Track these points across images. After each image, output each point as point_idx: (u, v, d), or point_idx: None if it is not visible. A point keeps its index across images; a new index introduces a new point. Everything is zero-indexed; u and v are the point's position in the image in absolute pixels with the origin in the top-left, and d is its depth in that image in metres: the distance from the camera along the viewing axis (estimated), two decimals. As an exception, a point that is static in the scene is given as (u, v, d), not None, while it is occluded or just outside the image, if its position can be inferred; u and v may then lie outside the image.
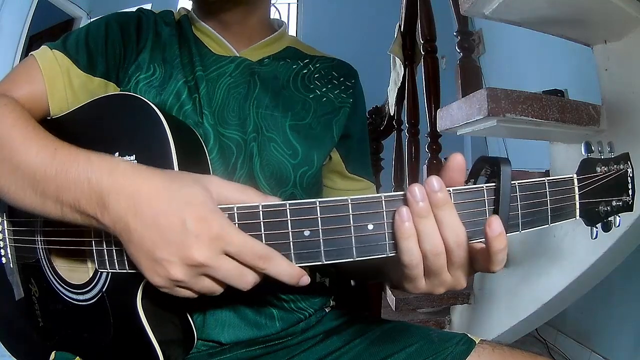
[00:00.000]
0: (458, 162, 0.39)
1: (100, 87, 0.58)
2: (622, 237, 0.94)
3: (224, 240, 0.38)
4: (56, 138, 0.46)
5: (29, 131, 0.46)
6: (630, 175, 0.46)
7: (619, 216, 0.45)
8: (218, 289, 0.41)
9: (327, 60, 0.72)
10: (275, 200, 0.41)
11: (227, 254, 0.38)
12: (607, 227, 0.45)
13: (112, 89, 0.60)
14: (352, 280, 0.85)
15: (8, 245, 0.58)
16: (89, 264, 0.51)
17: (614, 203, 0.45)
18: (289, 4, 3.95)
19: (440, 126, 1.16)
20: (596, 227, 0.45)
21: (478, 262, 0.40)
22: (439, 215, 0.38)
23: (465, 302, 1.48)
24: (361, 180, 0.72)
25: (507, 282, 1.33)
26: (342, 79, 0.71)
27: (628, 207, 0.46)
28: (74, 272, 0.52)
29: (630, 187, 0.46)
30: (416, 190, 0.37)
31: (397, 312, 1.41)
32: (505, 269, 1.34)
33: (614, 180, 0.45)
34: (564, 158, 1.11)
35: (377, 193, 0.43)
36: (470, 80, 1.25)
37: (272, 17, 0.75)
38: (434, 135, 1.46)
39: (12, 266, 0.58)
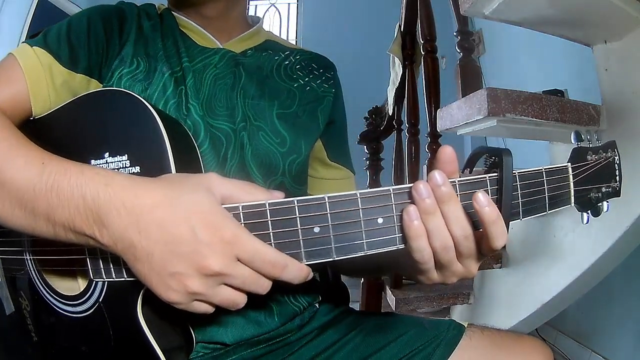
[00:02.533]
0: (448, 155, 0.40)
1: (82, 85, 0.56)
2: (622, 237, 0.94)
3: (236, 246, 0.36)
4: (43, 150, 0.42)
5: (12, 143, 0.42)
6: (617, 162, 0.49)
7: (608, 202, 0.48)
8: (240, 298, 0.39)
9: (306, 53, 0.74)
10: (280, 196, 0.39)
11: (239, 260, 0.37)
12: (596, 213, 0.48)
13: (95, 86, 0.57)
14: (342, 275, 0.85)
15: None
16: (83, 274, 0.48)
17: (603, 189, 0.48)
18: (289, 4, 3.94)
19: (440, 126, 1.16)
20: (587, 213, 0.48)
21: (482, 245, 0.40)
22: (445, 209, 0.38)
23: (465, 302, 1.48)
24: (341, 169, 0.73)
25: (507, 282, 1.33)
26: (322, 71, 0.72)
27: (616, 193, 0.48)
28: (66, 283, 0.50)
29: (617, 174, 0.49)
30: (421, 187, 0.38)
31: (397, 312, 1.41)
32: (505, 269, 1.34)
33: (603, 168, 0.48)
34: (564, 158, 1.11)
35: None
36: (470, 80, 1.25)
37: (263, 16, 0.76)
38: (434, 135, 1.46)
39: (0, 280, 0.55)
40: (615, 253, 1.00)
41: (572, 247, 1.09)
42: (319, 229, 0.38)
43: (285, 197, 0.40)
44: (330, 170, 0.72)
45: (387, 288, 1.48)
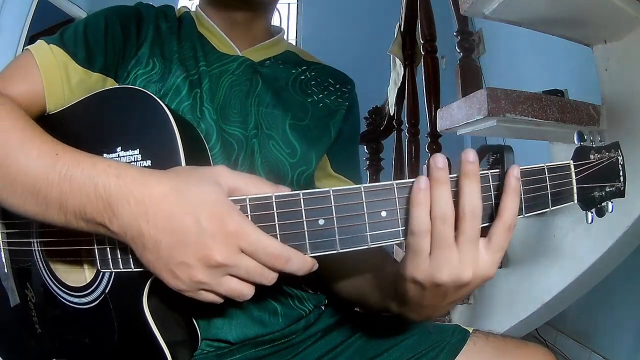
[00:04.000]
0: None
1: (97, 83, 0.57)
2: (622, 237, 0.94)
3: (240, 237, 0.37)
4: (57, 141, 0.43)
5: (27, 134, 0.44)
6: (621, 162, 0.49)
7: (612, 202, 0.48)
8: (246, 289, 0.39)
9: (325, 68, 0.74)
10: (286, 190, 0.40)
11: (243, 252, 0.38)
12: (600, 213, 0.48)
13: (110, 85, 0.58)
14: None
15: (2, 249, 0.56)
16: (90, 265, 0.49)
17: (607, 189, 0.47)
18: (289, 4, 3.95)
19: (440, 126, 1.16)
20: (591, 212, 0.47)
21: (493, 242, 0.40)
22: (465, 183, 0.38)
23: (465, 302, 1.48)
24: (346, 181, 0.71)
25: (507, 282, 1.33)
26: (338, 86, 0.72)
27: (620, 193, 0.48)
28: (73, 275, 0.50)
29: (621, 174, 0.49)
30: (439, 157, 0.38)
31: (397, 312, 1.41)
32: (505, 269, 1.34)
33: (607, 167, 0.47)
34: (564, 158, 1.11)
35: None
36: (470, 80, 1.25)
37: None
38: (434, 135, 1.46)
39: (6, 271, 0.55)
40: (615, 253, 1.00)
41: (572, 247, 1.09)
42: (323, 221, 0.39)
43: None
44: (332, 181, 0.71)
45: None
